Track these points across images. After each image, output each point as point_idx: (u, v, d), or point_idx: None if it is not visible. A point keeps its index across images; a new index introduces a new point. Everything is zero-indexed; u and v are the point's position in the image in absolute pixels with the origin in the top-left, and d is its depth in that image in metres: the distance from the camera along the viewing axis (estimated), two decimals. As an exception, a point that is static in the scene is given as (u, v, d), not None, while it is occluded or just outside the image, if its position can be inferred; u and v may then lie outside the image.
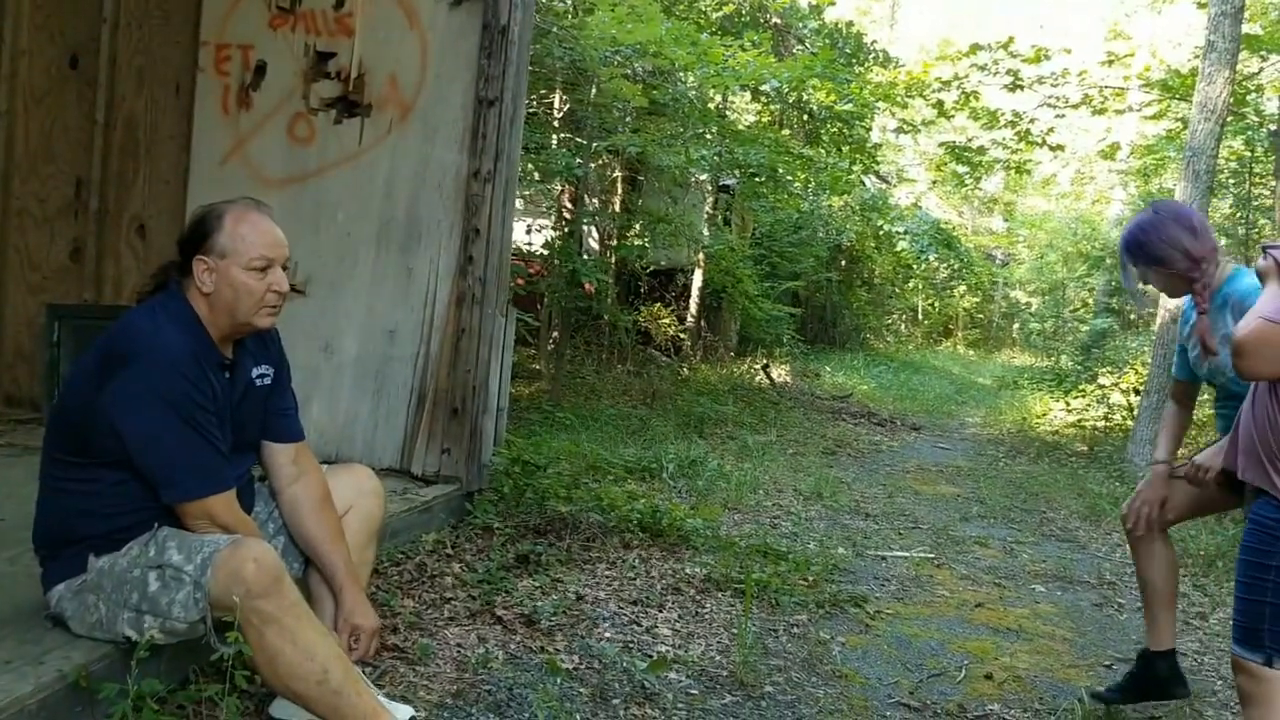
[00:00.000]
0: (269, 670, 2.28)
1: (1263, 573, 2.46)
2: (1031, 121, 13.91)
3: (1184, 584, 5.31)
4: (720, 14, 12.96)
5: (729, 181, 12.88)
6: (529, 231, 10.84)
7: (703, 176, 12.25)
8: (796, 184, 13.39)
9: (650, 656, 3.40)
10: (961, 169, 15.86)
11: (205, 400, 2.45)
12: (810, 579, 4.53)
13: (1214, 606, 4.93)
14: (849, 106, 12.17)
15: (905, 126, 16.42)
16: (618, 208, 11.22)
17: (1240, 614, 2.53)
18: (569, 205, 10.17)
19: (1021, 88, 13.23)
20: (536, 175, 9.18)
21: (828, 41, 14.08)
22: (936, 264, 20.66)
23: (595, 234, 11.40)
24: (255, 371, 2.71)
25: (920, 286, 24.33)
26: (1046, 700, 3.50)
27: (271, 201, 4.62)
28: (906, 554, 5.35)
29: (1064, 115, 13.96)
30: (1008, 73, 13.16)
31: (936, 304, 26.24)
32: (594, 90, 8.88)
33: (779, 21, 14.03)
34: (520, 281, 8.67)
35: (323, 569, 2.71)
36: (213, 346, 2.55)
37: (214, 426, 2.48)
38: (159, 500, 2.43)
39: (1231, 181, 12.13)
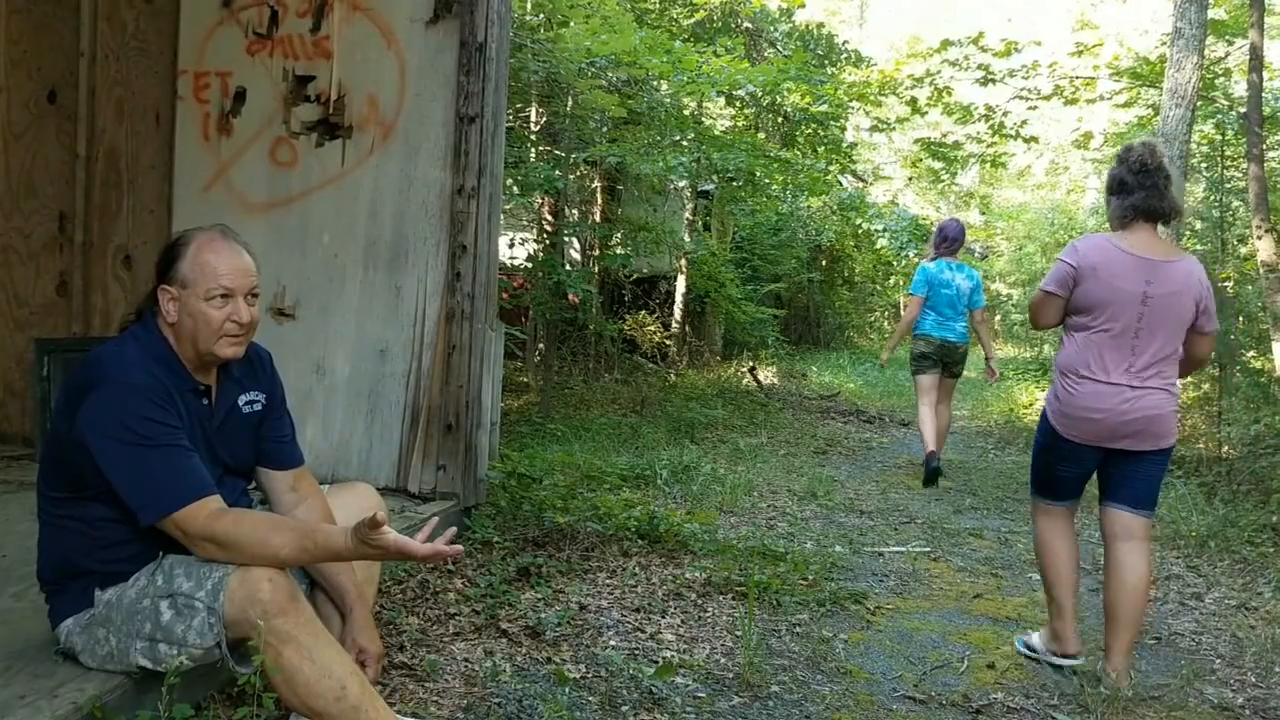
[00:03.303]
0: (287, 689, 2.28)
1: None
2: (1005, 114, 14.01)
3: (1178, 565, 5.38)
4: (692, 21, 13.00)
5: (707, 187, 12.93)
6: (511, 245, 10.86)
7: (681, 183, 12.30)
8: (774, 186, 13.42)
9: (656, 662, 3.43)
10: (937, 164, 15.95)
11: (167, 418, 2.42)
12: (809, 578, 4.56)
13: (1209, 586, 4.99)
14: (824, 107, 12.23)
15: (880, 125, 16.51)
16: (598, 218, 11.25)
17: None
18: (550, 217, 10.20)
19: (993, 81, 13.33)
20: (516, 189, 9.19)
21: (800, 44, 14.15)
22: (916, 259, 20.74)
23: (577, 245, 11.42)
24: (243, 399, 2.71)
25: (901, 283, 24.41)
26: (1049, 686, 3.54)
27: (257, 226, 4.71)
28: (903, 549, 5.39)
29: (1036, 107, 14.07)
30: (979, 67, 13.26)
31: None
32: (570, 102, 8.91)
33: (750, 26, 14.09)
34: (505, 295, 8.69)
35: (331, 591, 2.72)
36: (185, 374, 2.55)
37: (184, 440, 2.44)
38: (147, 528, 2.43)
39: (1205, 166, 12.23)
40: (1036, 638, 3.88)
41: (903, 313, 7.84)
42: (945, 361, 7.54)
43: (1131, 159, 3.67)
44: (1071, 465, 3.72)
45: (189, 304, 2.50)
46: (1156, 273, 3.55)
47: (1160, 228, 3.70)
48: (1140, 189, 3.63)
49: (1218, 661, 3.95)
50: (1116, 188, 3.71)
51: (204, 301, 2.49)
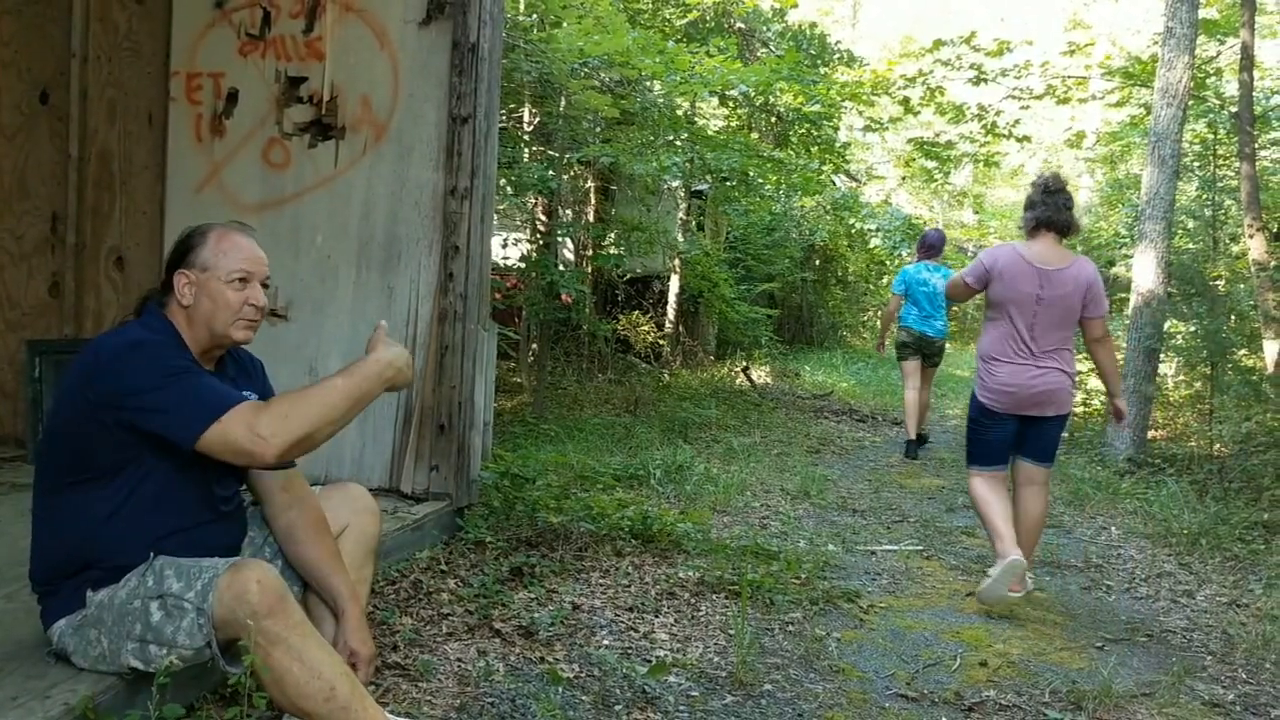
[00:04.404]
0: (276, 690, 2.29)
1: None
2: (997, 114, 14.04)
3: (1169, 563, 5.40)
4: (685, 21, 13.00)
5: (701, 187, 12.92)
6: (505, 245, 10.85)
7: (675, 183, 12.30)
8: (768, 186, 13.43)
9: (649, 661, 3.44)
10: (930, 164, 15.96)
11: (190, 362, 2.52)
12: (802, 577, 4.57)
13: (1200, 584, 5.01)
14: (816, 107, 12.24)
15: (873, 124, 16.50)
16: (592, 218, 11.25)
17: None
18: (543, 218, 10.19)
19: (986, 81, 13.35)
20: (510, 189, 9.18)
21: (792, 44, 14.15)
22: (909, 259, 20.79)
23: (571, 245, 11.42)
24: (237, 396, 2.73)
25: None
26: (1040, 684, 3.55)
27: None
28: (895, 547, 5.40)
29: (1029, 106, 14.09)
30: (971, 67, 13.27)
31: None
32: (564, 102, 8.91)
33: (743, 26, 14.09)
34: (498, 295, 8.68)
35: (324, 593, 2.73)
36: (189, 357, 2.58)
37: (207, 373, 2.55)
38: (150, 518, 2.45)
39: (1197, 165, 12.26)
40: (991, 571, 4.48)
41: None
42: (924, 351, 8.65)
43: (1039, 182, 4.74)
44: (998, 430, 4.66)
45: (209, 285, 2.57)
46: (1049, 279, 4.52)
47: (1065, 239, 4.66)
48: (1043, 205, 4.62)
49: (1209, 658, 3.97)
50: (1027, 205, 4.72)
51: (225, 284, 2.57)
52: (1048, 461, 4.75)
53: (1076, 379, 4.69)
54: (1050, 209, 4.59)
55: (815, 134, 13.73)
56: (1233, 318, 9.31)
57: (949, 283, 5.03)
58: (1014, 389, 4.55)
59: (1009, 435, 4.67)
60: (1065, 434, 10.23)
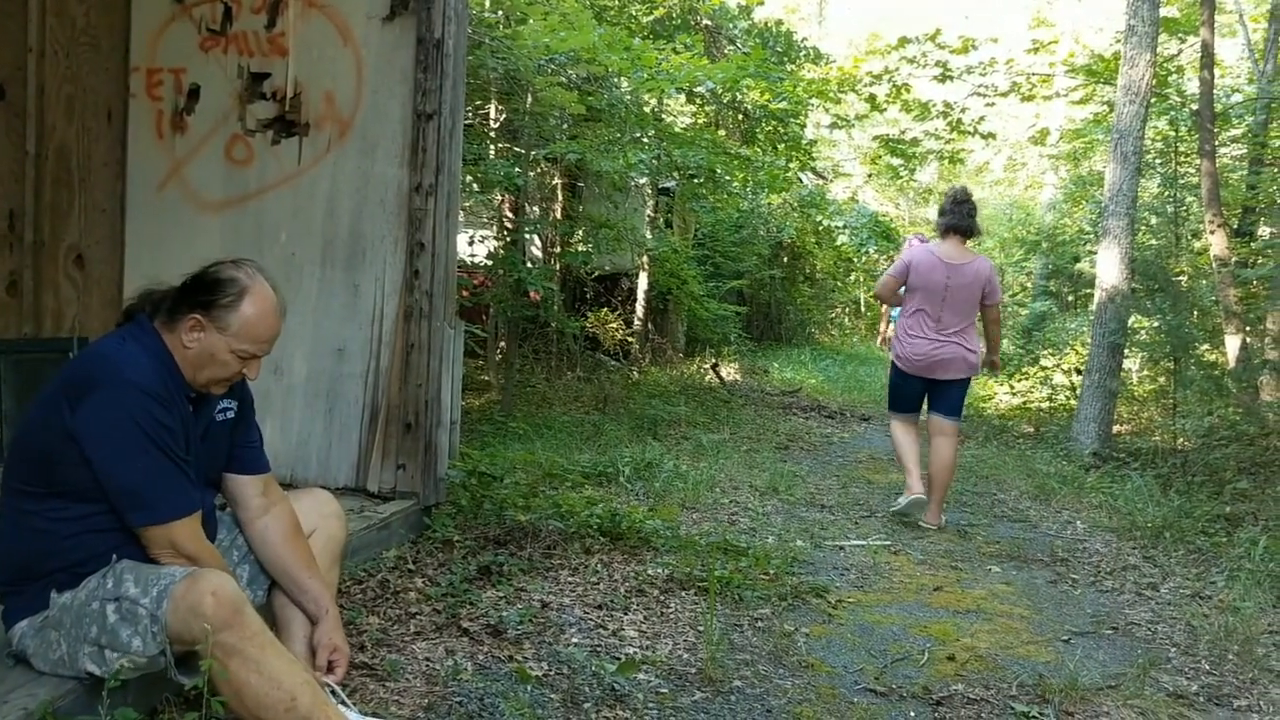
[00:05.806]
0: (236, 701, 2.27)
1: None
2: (962, 111, 14.15)
3: (1134, 556, 5.45)
4: (651, 18, 12.99)
5: (669, 184, 12.92)
6: (471, 242, 10.80)
7: (642, 180, 12.28)
8: (735, 184, 13.43)
9: (618, 659, 3.42)
10: (896, 161, 16.04)
11: (174, 425, 2.46)
12: (771, 573, 4.57)
13: (1164, 577, 5.06)
14: (783, 104, 12.26)
15: (839, 122, 16.56)
16: (559, 215, 11.21)
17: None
18: (510, 215, 10.15)
19: (951, 78, 13.46)
20: (476, 186, 9.14)
21: (759, 41, 14.16)
22: (877, 256, 20.90)
23: (538, 242, 11.38)
24: (218, 407, 2.72)
25: (862, 279, 24.56)
26: (1008, 677, 3.57)
27: (212, 224, 4.67)
28: (864, 543, 5.42)
29: (993, 104, 14.21)
30: (937, 64, 13.38)
31: (879, 295, 26.42)
32: (530, 99, 8.87)
33: (709, 23, 14.09)
34: (465, 293, 8.64)
35: (301, 595, 2.72)
36: (182, 380, 2.55)
37: (182, 452, 2.48)
38: (124, 528, 2.42)
39: (1159, 161, 12.39)
40: (899, 499, 5.90)
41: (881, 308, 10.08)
42: None
43: (949, 194, 6.02)
44: (908, 387, 6.03)
45: (214, 344, 2.52)
46: (954, 272, 5.79)
47: (969, 241, 5.93)
48: (951, 213, 5.87)
49: (1173, 650, 4.01)
50: (940, 212, 6.01)
51: (231, 352, 2.53)
52: (955, 417, 5.98)
53: (978, 353, 5.99)
54: (957, 217, 5.82)
55: (782, 131, 13.75)
56: (1195, 313, 9.42)
57: (880, 287, 6.26)
58: (920, 358, 5.85)
59: (917, 392, 6.02)
60: (1031, 429, 10.49)
